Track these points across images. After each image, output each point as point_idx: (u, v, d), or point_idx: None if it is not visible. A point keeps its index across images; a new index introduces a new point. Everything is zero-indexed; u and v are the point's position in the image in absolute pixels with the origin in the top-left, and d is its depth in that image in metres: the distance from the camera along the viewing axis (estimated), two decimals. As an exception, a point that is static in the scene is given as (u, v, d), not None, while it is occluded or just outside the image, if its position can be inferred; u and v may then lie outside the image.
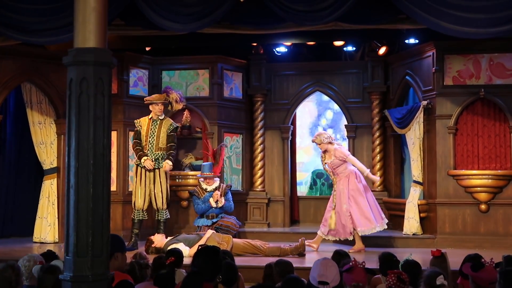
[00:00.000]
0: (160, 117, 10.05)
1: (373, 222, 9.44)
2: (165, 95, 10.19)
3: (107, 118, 4.25)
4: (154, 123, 10.00)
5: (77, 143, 4.17)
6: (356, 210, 9.45)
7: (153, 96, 10.29)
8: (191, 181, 10.85)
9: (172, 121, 10.23)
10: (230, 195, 10.22)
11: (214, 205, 9.96)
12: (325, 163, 9.79)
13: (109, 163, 4.26)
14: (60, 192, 10.41)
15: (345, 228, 9.45)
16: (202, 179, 10.22)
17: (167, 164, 9.88)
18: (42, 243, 10.08)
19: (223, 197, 10.02)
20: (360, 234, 9.46)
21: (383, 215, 9.72)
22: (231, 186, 10.50)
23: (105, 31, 4.34)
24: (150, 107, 10.06)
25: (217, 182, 10.21)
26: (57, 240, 10.26)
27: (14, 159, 10.91)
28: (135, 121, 10.14)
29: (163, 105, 10.10)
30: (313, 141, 9.99)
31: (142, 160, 9.85)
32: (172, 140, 10.05)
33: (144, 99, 10.30)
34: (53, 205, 10.47)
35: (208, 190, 10.10)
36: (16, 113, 10.86)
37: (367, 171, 9.73)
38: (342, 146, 10.40)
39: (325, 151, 9.76)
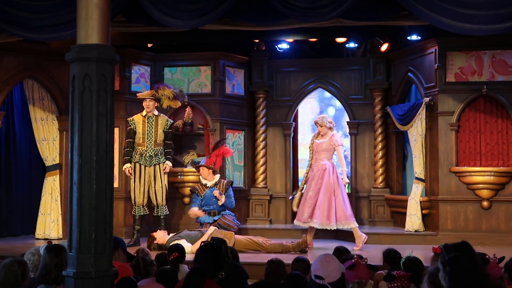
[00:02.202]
0: (154, 114, 10.03)
1: (350, 218, 9.49)
2: (154, 91, 10.14)
3: (110, 114, 4.26)
4: (149, 120, 9.97)
5: (80, 140, 4.17)
6: (333, 204, 9.45)
7: (145, 92, 10.36)
8: (192, 177, 10.85)
9: (167, 117, 10.23)
10: (232, 191, 10.19)
11: (217, 195, 9.91)
12: (313, 142, 9.80)
13: (111, 160, 4.27)
14: (63, 189, 10.43)
15: (302, 213, 9.56)
16: (201, 175, 10.22)
17: (168, 166, 9.97)
18: (46, 239, 10.07)
19: (223, 195, 9.99)
20: (336, 228, 9.51)
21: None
22: (232, 182, 10.47)
23: (107, 27, 4.35)
24: (143, 103, 10.08)
25: (216, 177, 10.17)
26: (61, 237, 10.26)
27: (21, 155, 10.89)
28: (128, 119, 10.11)
29: (154, 101, 10.03)
30: (315, 122, 9.98)
31: (124, 167, 9.92)
32: (170, 138, 10.05)
33: (136, 94, 10.32)
34: (56, 201, 10.48)
35: (208, 185, 10.09)
36: (22, 110, 10.85)
37: (345, 168, 9.79)
38: (339, 134, 10.38)
39: (322, 134, 9.79)
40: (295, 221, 9.86)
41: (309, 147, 9.97)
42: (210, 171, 10.12)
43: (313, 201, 9.49)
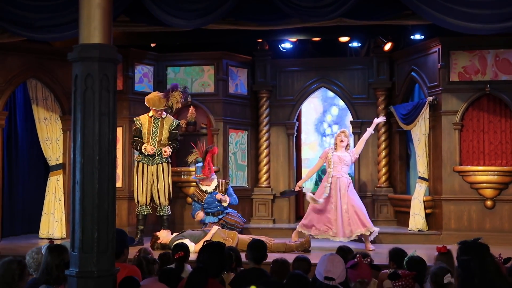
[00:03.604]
0: (162, 116, 10.02)
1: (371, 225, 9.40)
2: (165, 101, 9.96)
3: (112, 114, 4.25)
4: (155, 121, 9.95)
5: (82, 139, 4.17)
6: (357, 213, 9.40)
7: (154, 99, 9.97)
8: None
9: (174, 118, 10.21)
10: (231, 189, 10.20)
11: (221, 198, 9.89)
12: (333, 154, 9.61)
13: (114, 159, 4.27)
14: (66, 188, 10.44)
15: (345, 228, 9.36)
16: (198, 180, 10.17)
17: (167, 150, 9.81)
18: (50, 239, 10.07)
19: (226, 195, 9.98)
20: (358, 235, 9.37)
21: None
22: (230, 180, 10.46)
23: (110, 27, 4.35)
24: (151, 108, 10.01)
25: (215, 181, 10.15)
26: (64, 236, 10.28)
27: (23, 155, 10.91)
28: (135, 119, 10.09)
29: (165, 98, 10.02)
30: (343, 132, 9.83)
31: (143, 148, 9.80)
32: (174, 137, 9.97)
33: (146, 101, 10.03)
34: (59, 201, 10.50)
35: (208, 191, 10.07)
36: (24, 110, 10.86)
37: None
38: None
39: (344, 146, 9.69)
40: (331, 237, 9.44)
41: (326, 159, 9.74)
42: (210, 180, 10.12)
43: (347, 214, 9.38)
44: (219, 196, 9.91)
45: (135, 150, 10.15)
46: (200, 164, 10.21)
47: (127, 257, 5.34)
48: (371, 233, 9.34)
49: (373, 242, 9.52)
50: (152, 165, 9.85)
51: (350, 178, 9.74)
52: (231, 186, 10.40)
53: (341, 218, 9.33)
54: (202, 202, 10.00)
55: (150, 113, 10.01)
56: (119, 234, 4.59)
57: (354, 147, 10.12)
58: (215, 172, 10.89)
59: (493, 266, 3.42)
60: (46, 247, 4.74)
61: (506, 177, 9.89)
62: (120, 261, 4.81)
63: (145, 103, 10.03)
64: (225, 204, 9.93)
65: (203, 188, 10.09)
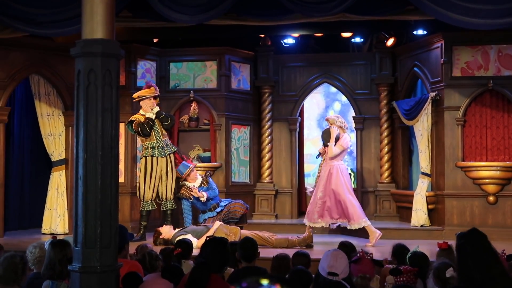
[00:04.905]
0: (153, 111, 9.94)
1: (358, 217, 9.27)
2: (154, 89, 10.00)
3: (115, 109, 4.25)
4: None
5: (85, 135, 4.18)
6: (336, 203, 9.34)
7: (142, 92, 10.06)
8: (199, 172, 10.83)
9: (158, 108, 10.03)
10: (211, 182, 10.12)
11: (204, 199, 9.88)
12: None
13: (117, 155, 4.27)
14: (68, 184, 10.45)
15: (312, 214, 9.41)
16: (184, 180, 10.10)
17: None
18: (52, 234, 10.09)
19: (201, 192, 9.89)
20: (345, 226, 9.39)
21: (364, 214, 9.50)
22: (210, 174, 10.44)
23: (112, 22, 4.34)
24: (142, 103, 9.91)
25: (198, 177, 10.12)
26: (67, 231, 10.28)
27: (24, 151, 10.92)
28: (132, 117, 9.94)
29: (155, 98, 9.97)
30: (326, 119, 9.81)
31: (139, 118, 9.81)
32: (164, 116, 9.91)
33: (133, 96, 10.08)
34: (62, 196, 10.51)
35: (195, 187, 10.04)
36: (25, 105, 10.86)
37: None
38: (348, 136, 10.17)
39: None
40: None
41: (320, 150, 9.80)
42: (194, 172, 10.08)
43: (321, 201, 9.41)
44: (196, 194, 9.84)
45: (148, 131, 9.78)
46: (179, 167, 10.12)
47: (127, 252, 5.36)
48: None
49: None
50: (163, 157, 9.83)
51: (335, 164, 9.42)
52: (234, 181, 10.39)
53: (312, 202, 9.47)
54: (191, 198, 9.95)
55: (142, 112, 9.91)
56: (120, 229, 4.60)
57: (353, 140, 10.07)
58: (217, 167, 10.94)
59: (486, 244, 3.46)
60: (49, 243, 4.75)
61: (509, 173, 9.88)
62: (121, 256, 4.82)
63: (138, 98, 9.97)
64: (203, 200, 9.84)
65: (189, 184, 10.04)
